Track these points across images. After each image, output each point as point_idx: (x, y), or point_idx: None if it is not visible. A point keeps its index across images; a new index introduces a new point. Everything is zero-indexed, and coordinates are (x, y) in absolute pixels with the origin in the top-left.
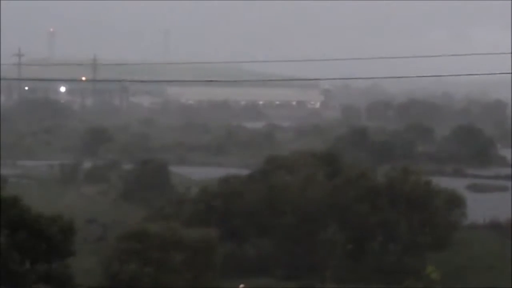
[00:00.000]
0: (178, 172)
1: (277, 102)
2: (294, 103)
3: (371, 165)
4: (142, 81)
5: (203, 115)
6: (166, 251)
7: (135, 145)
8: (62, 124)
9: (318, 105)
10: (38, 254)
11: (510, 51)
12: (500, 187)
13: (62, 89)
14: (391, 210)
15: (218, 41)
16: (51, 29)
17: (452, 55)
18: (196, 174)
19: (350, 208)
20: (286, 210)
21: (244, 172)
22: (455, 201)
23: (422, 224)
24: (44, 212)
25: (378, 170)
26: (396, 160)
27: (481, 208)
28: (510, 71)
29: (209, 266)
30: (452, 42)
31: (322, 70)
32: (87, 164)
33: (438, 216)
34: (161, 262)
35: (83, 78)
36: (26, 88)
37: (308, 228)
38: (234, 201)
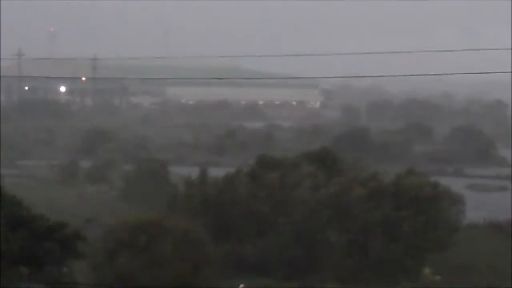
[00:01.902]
0: (178, 172)
1: (277, 102)
2: (294, 103)
3: (371, 165)
4: (142, 78)
5: (203, 115)
6: (152, 240)
7: (135, 145)
8: (62, 124)
9: (318, 105)
10: (46, 257)
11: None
12: (500, 187)
13: (62, 89)
14: (394, 211)
15: (218, 41)
16: (51, 29)
17: (445, 51)
18: (196, 174)
19: (352, 208)
20: (288, 210)
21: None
22: (457, 203)
23: (425, 226)
24: (47, 215)
25: (380, 170)
26: (396, 160)
27: (481, 208)
28: (510, 70)
29: (204, 260)
30: (463, 43)
31: (323, 70)
32: (87, 164)
33: (442, 219)
34: (150, 253)
35: (83, 78)
36: (26, 88)
37: (308, 228)
38: (231, 198)
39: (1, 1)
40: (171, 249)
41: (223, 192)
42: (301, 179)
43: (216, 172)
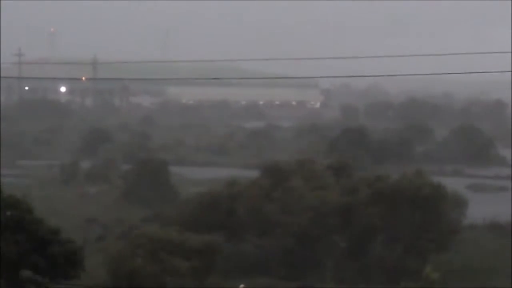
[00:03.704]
0: (178, 172)
1: (277, 102)
2: (294, 103)
3: (370, 165)
4: (142, 79)
5: (203, 115)
6: (171, 255)
7: (135, 145)
8: (62, 124)
9: (318, 105)
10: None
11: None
12: (500, 187)
13: (62, 88)
14: (395, 210)
15: (219, 41)
16: (52, 29)
17: (442, 54)
18: (196, 174)
19: (353, 209)
20: (288, 210)
21: (244, 172)
22: (459, 204)
23: (427, 227)
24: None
25: (379, 170)
26: (396, 160)
27: (481, 208)
28: (510, 70)
29: (212, 269)
30: (473, 43)
31: (323, 70)
32: (87, 164)
33: (443, 220)
34: (165, 264)
35: (83, 78)
36: (26, 88)
37: (309, 228)
38: (237, 203)
39: (1, 1)
40: (187, 265)
41: (228, 194)
42: (304, 180)
43: (217, 173)
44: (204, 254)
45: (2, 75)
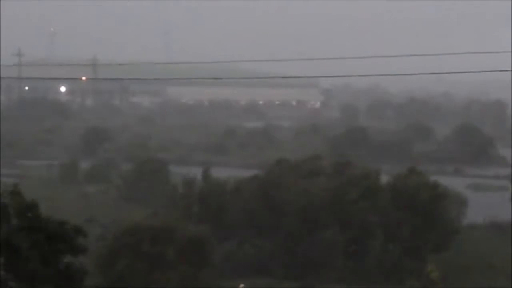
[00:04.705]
0: (178, 172)
1: (277, 102)
2: (294, 103)
3: (370, 165)
4: (142, 79)
5: (203, 115)
6: (159, 245)
7: (135, 145)
8: (62, 124)
9: (318, 105)
10: (52, 253)
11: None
12: (500, 187)
13: (62, 89)
14: (393, 211)
15: (218, 41)
16: (52, 29)
17: (444, 54)
18: (196, 174)
19: (352, 208)
20: (287, 210)
21: (244, 172)
22: (459, 204)
23: (424, 227)
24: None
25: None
26: (396, 160)
27: (481, 208)
28: (510, 70)
29: (206, 262)
30: (473, 43)
31: (323, 70)
32: (87, 164)
33: (441, 219)
34: (154, 257)
35: (83, 78)
36: (26, 88)
37: (308, 228)
38: (234, 200)
39: (1, 1)
40: (174, 252)
41: (225, 193)
42: (301, 180)
43: (217, 172)
44: (193, 243)
45: (2, 75)
